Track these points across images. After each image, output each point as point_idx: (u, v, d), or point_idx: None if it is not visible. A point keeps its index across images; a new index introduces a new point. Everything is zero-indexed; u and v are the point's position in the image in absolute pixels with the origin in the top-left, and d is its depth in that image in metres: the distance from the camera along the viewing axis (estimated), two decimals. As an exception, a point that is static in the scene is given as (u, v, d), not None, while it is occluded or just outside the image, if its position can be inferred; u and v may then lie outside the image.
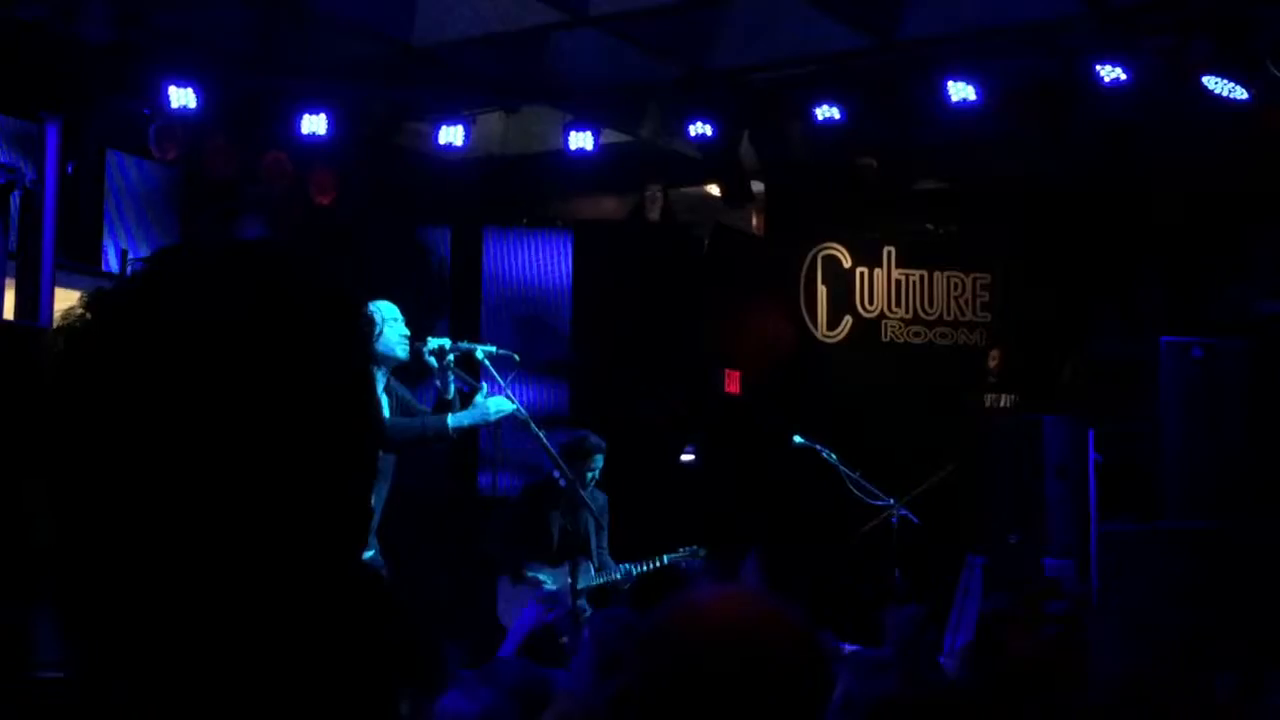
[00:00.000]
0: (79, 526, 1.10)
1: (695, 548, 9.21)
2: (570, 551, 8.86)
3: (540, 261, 12.29)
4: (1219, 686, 5.43)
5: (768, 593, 2.06)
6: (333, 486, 1.14)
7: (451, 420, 7.13)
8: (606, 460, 9.15)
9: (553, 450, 8.05)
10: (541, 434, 7.74)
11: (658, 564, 9.07)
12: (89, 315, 1.13)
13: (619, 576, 8.94)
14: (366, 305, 1.21)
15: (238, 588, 1.10)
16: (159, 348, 1.10)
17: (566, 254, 12.37)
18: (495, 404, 7.24)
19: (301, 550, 1.12)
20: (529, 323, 12.00)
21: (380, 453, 7.01)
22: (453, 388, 7.26)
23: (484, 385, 7.34)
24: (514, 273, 12.19)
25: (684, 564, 9.16)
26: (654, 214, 12.68)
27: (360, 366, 1.17)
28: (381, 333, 7.05)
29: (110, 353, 1.11)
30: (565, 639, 8.38)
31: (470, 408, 7.22)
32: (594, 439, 9.01)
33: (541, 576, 8.88)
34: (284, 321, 1.13)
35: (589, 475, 8.94)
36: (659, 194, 12.58)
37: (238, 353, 1.10)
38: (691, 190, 12.94)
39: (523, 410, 7.54)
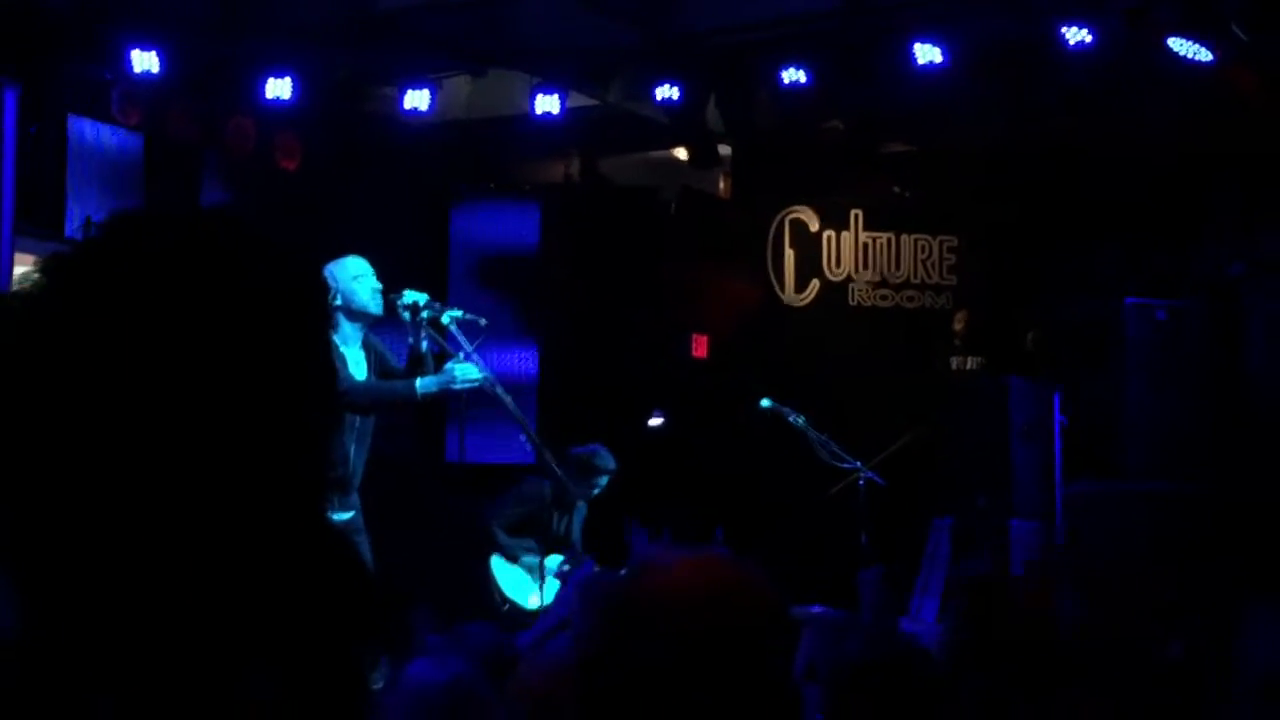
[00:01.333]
0: (28, 489, 1.09)
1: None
2: (554, 548, 8.94)
3: (507, 226, 12.26)
4: (1174, 649, 5.47)
5: (730, 554, 2.06)
6: (285, 448, 1.14)
7: (419, 385, 7.09)
8: (577, 425, 9.20)
9: (521, 414, 8.05)
10: (509, 399, 7.73)
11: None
12: (43, 280, 1.13)
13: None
14: (319, 270, 1.21)
15: (190, 548, 1.10)
16: (110, 313, 1.10)
17: (533, 218, 12.34)
18: (463, 372, 7.19)
19: (258, 510, 1.12)
20: (496, 287, 11.97)
21: (355, 414, 7.02)
22: (425, 344, 7.24)
23: (459, 354, 7.31)
24: (481, 237, 12.16)
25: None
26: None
27: (311, 331, 1.17)
28: (353, 289, 7.03)
29: (62, 318, 1.11)
30: None
31: (439, 373, 7.19)
32: (606, 458, 9.05)
33: (533, 561, 8.89)
34: (233, 286, 1.13)
35: (592, 491, 9.02)
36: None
37: (187, 318, 1.10)
38: (658, 154, 12.92)
39: (491, 378, 7.52)
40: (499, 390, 7.60)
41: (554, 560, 8.92)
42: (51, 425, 1.09)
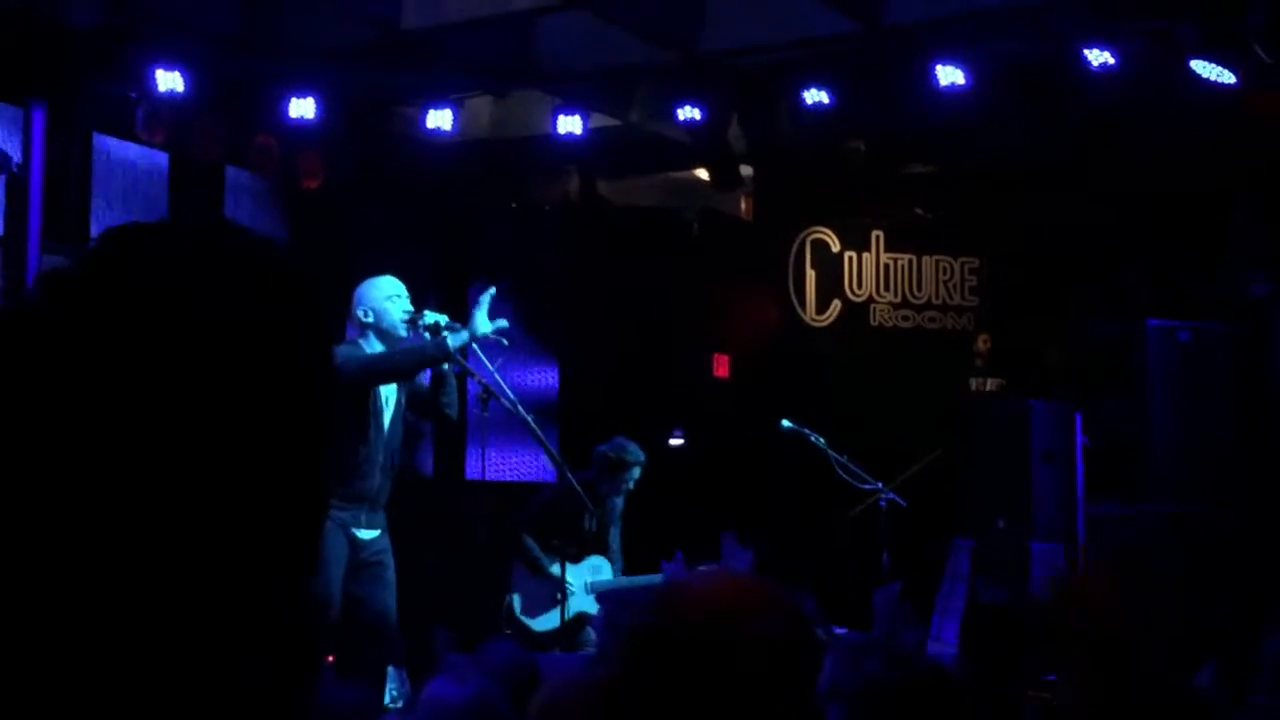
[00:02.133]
0: (24, 510, 1.09)
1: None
2: (590, 550, 8.93)
3: (529, 246, 12.28)
4: (1201, 675, 5.44)
5: (756, 575, 2.07)
6: (280, 470, 1.13)
7: (451, 340, 6.99)
8: (596, 443, 9.21)
9: (541, 433, 8.06)
10: (530, 418, 7.75)
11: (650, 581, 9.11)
12: (39, 296, 1.13)
13: (637, 581, 8.96)
14: (314, 281, 1.20)
15: (175, 571, 1.09)
16: (103, 328, 1.10)
17: (555, 238, 12.36)
18: (482, 322, 7.14)
19: (247, 537, 1.11)
20: (518, 308, 11.98)
21: (388, 428, 7.02)
22: (446, 364, 7.24)
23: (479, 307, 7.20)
24: (502, 257, 12.18)
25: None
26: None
27: (311, 347, 1.16)
28: (384, 309, 7.04)
29: (55, 335, 1.11)
30: None
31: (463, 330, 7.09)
32: (634, 450, 9.05)
33: (557, 571, 8.85)
34: (229, 301, 1.12)
35: (625, 486, 9.02)
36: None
37: (181, 335, 1.10)
38: (680, 175, 12.93)
39: (512, 399, 7.52)
40: (520, 409, 7.61)
41: (593, 570, 8.87)
42: (48, 439, 1.09)
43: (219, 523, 1.09)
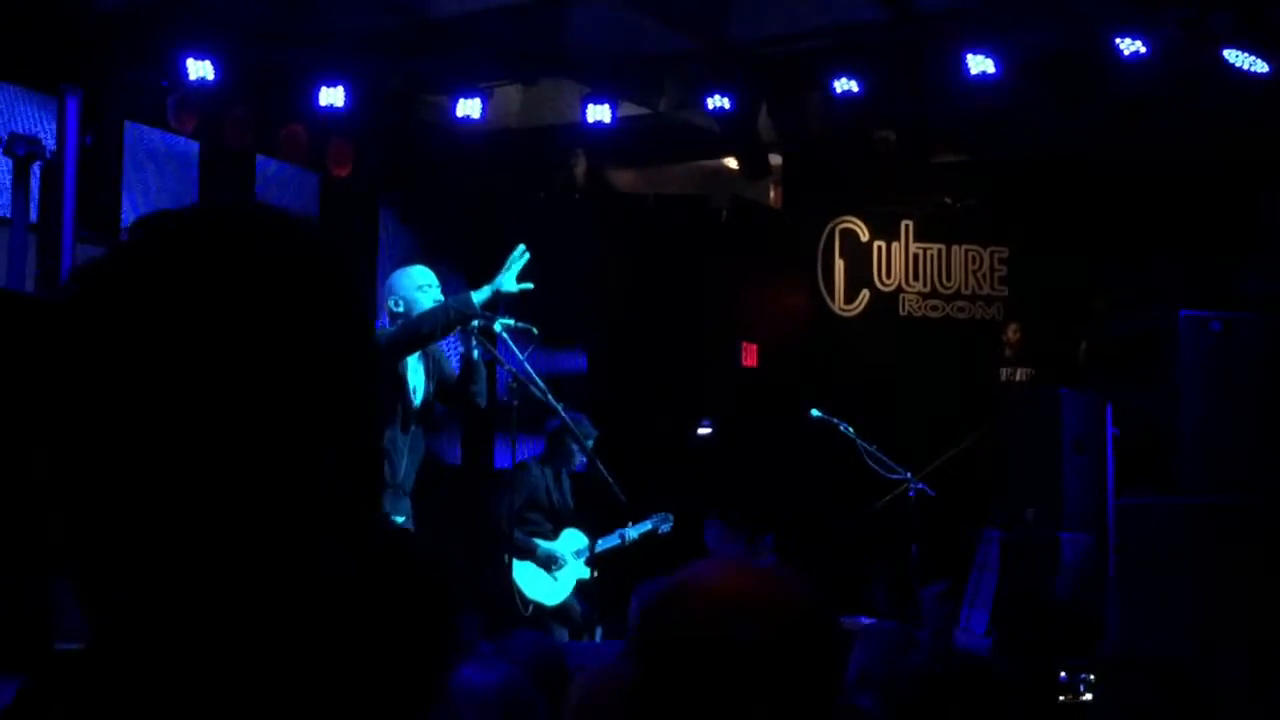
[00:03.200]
0: (82, 499, 1.10)
1: (665, 514, 9.38)
2: (562, 523, 9.10)
3: (558, 234, 12.28)
4: (1231, 666, 5.43)
5: (773, 565, 2.06)
6: (327, 446, 1.14)
7: (475, 295, 6.94)
8: (626, 433, 9.32)
9: (569, 420, 8.11)
10: (560, 407, 7.78)
11: (633, 534, 9.27)
12: (74, 287, 1.14)
13: (616, 541, 9.16)
14: (345, 266, 1.20)
15: (244, 554, 1.10)
16: (140, 318, 1.11)
17: (584, 227, 12.35)
18: (508, 280, 7.15)
19: (303, 515, 1.12)
20: (547, 296, 11.98)
21: (416, 415, 7.05)
22: (477, 351, 7.26)
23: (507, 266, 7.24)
24: (532, 245, 12.16)
25: (660, 529, 9.35)
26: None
27: (346, 329, 1.17)
28: (416, 299, 7.06)
29: (93, 325, 1.12)
30: None
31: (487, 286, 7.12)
32: (589, 424, 9.15)
33: (550, 547, 9.05)
34: (262, 285, 1.13)
35: (579, 458, 9.12)
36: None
37: (218, 321, 1.11)
38: (709, 163, 12.92)
39: (543, 388, 7.56)
40: (550, 398, 7.62)
41: (572, 541, 9.06)
42: (91, 435, 1.10)
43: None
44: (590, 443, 8.94)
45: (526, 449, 9.30)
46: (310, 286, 1.16)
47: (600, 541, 9.12)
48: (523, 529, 9.10)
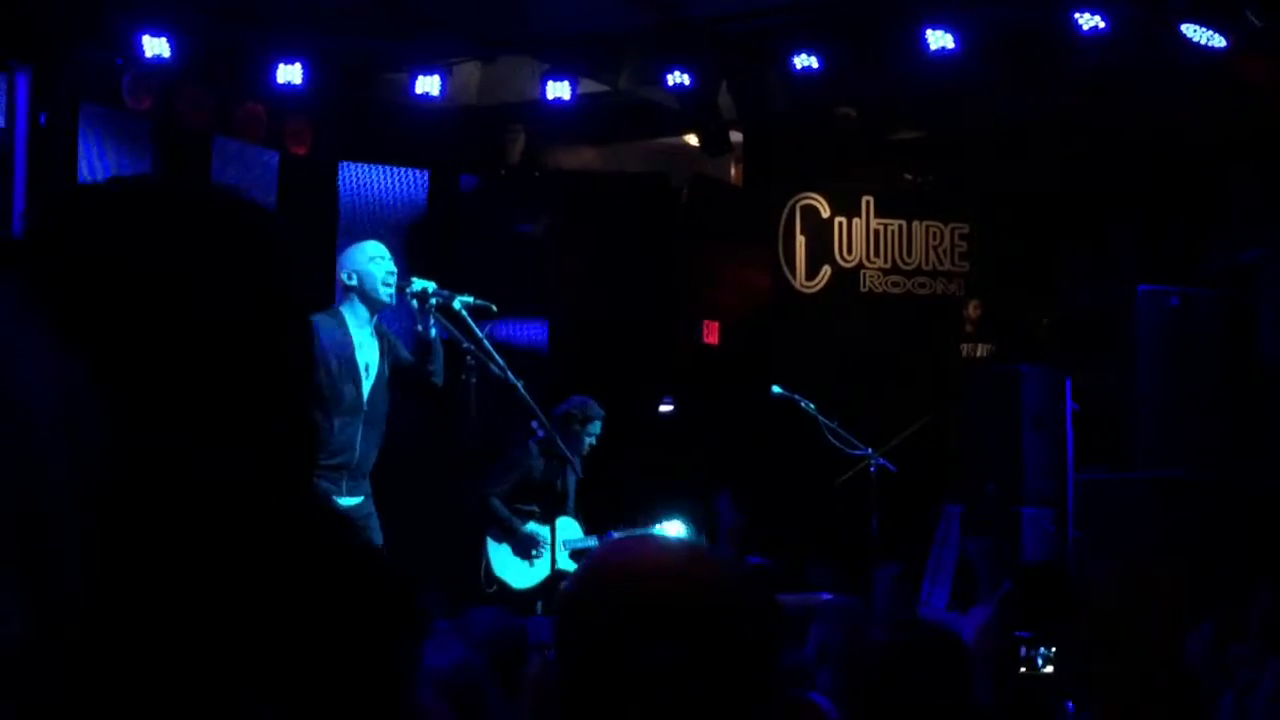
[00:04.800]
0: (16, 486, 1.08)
1: (676, 521, 9.29)
2: (553, 508, 8.99)
3: (518, 212, 12.24)
4: (1194, 637, 5.45)
5: (697, 541, 2.03)
6: (257, 417, 1.12)
7: None
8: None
9: (529, 399, 8.06)
10: (520, 384, 7.74)
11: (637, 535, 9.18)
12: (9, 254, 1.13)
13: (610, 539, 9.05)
14: (279, 231, 1.18)
15: (181, 530, 1.08)
16: (66, 290, 1.09)
17: (544, 204, 12.32)
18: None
19: (229, 488, 1.11)
20: (508, 273, 11.95)
21: (369, 395, 7.02)
22: (434, 330, 7.24)
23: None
24: (493, 223, 12.14)
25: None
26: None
27: (271, 295, 1.15)
28: (368, 270, 7.04)
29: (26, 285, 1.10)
30: None
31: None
32: (596, 406, 9.10)
33: (533, 529, 8.96)
34: (184, 254, 1.11)
35: (587, 441, 9.07)
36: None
37: (138, 291, 1.09)
38: (669, 140, 12.89)
39: (503, 365, 7.51)
40: (509, 375, 7.60)
41: (562, 530, 8.96)
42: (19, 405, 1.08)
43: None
44: (598, 425, 8.91)
45: (484, 424, 9.25)
46: (240, 258, 1.14)
47: (589, 538, 9.06)
48: (511, 507, 9.04)
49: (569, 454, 8.65)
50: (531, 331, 11.83)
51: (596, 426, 9.19)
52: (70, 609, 1.08)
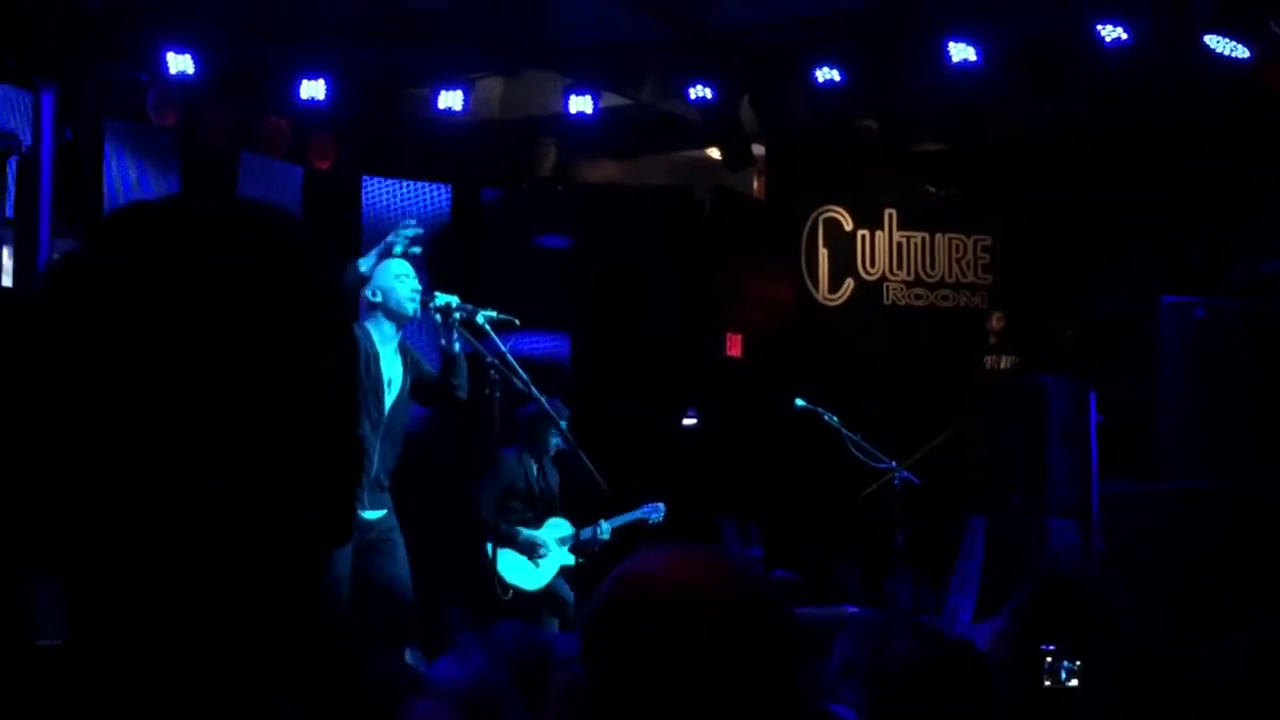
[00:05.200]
0: (58, 494, 1.10)
1: (656, 504, 9.34)
2: (546, 511, 9.07)
3: (541, 225, 12.27)
4: (1226, 647, 5.42)
5: (724, 551, 2.03)
6: (299, 443, 1.13)
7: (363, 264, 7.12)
8: (610, 423, 9.29)
9: (552, 412, 8.10)
10: (543, 399, 7.77)
11: (627, 520, 9.24)
12: (46, 281, 1.14)
13: (602, 535, 9.11)
14: (319, 253, 1.19)
15: (217, 557, 1.10)
16: (110, 315, 1.10)
17: (567, 217, 12.34)
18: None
19: (268, 515, 1.12)
20: (531, 287, 11.98)
21: (390, 409, 7.04)
22: (457, 345, 7.26)
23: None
24: (516, 236, 12.17)
25: (650, 519, 9.32)
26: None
27: (317, 325, 1.15)
28: (393, 287, 7.06)
29: (64, 320, 1.11)
30: None
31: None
32: (561, 405, 9.15)
33: (531, 534, 9.01)
34: (234, 279, 1.12)
35: (554, 442, 9.12)
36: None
37: (187, 315, 1.10)
38: (691, 154, 12.90)
39: (525, 379, 7.54)
40: (533, 389, 7.62)
41: (556, 529, 9.05)
42: (63, 420, 1.09)
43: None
44: (564, 423, 8.94)
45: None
46: (283, 281, 1.15)
47: (584, 530, 9.14)
48: (504, 518, 9.10)
49: (591, 467, 8.68)
50: (554, 345, 11.85)
51: (562, 425, 9.21)
52: (112, 618, 1.10)
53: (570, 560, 9.12)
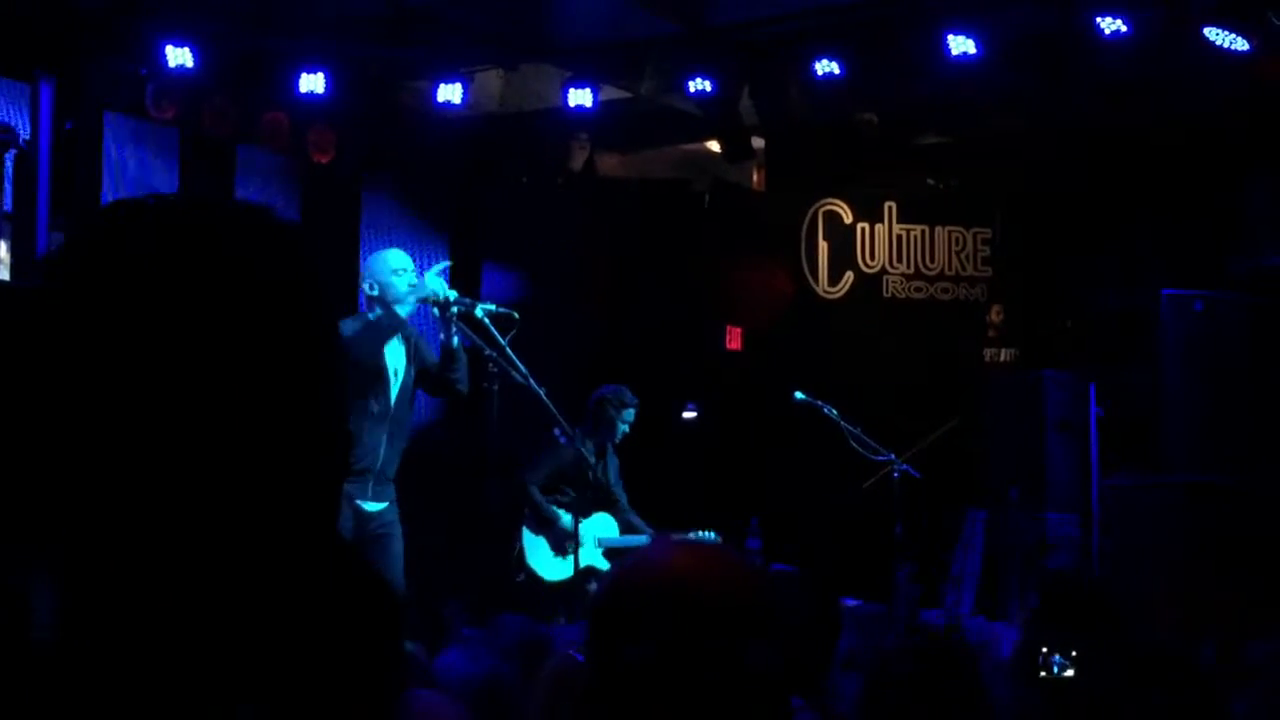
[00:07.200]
0: (54, 486, 1.09)
1: (709, 532, 9.22)
2: (596, 505, 9.00)
3: (540, 219, 12.26)
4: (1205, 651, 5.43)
5: (726, 545, 2.05)
6: (290, 438, 1.13)
7: (401, 309, 7.11)
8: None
9: (552, 406, 8.06)
10: (542, 391, 7.75)
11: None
12: (43, 274, 1.13)
13: (645, 540, 9.00)
14: (312, 254, 1.19)
15: (216, 548, 1.09)
16: (105, 309, 1.09)
17: (567, 212, 12.33)
18: (436, 285, 7.23)
19: (265, 508, 1.11)
20: (531, 280, 11.98)
21: (395, 400, 7.04)
22: (456, 339, 7.26)
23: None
24: (515, 230, 12.16)
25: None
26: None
27: (306, 323, 1.15)
28: (390, 282, 7.06)
29: (62, 312, 1.11)
30: None
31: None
32: (629, 394, 9.14)
33: (570, 524, 8.92)
34: (224, 277, 1.12)
35: (621, 428, 9.10)
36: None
37: (181, 311, 1.09)
38: (691, 147, 12.89)
39: (524, 371, 7.53)
40: (532, 382, 7.62)
41: (599, 527, 8.96)
42: (59, 418, 1.09)
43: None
44: (632, 412, 8.93)
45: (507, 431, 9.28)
46: (272, 281, 1.14)
47: (624, 538, 9.07)
48: (547, 496, 9.07)
49: (595, 452, 8.69)
50: (554, 338, 11.84)
51: (630, 414, 9.23)
52: (99, 612, 1.10)
53: (602, 564, 8.99)
